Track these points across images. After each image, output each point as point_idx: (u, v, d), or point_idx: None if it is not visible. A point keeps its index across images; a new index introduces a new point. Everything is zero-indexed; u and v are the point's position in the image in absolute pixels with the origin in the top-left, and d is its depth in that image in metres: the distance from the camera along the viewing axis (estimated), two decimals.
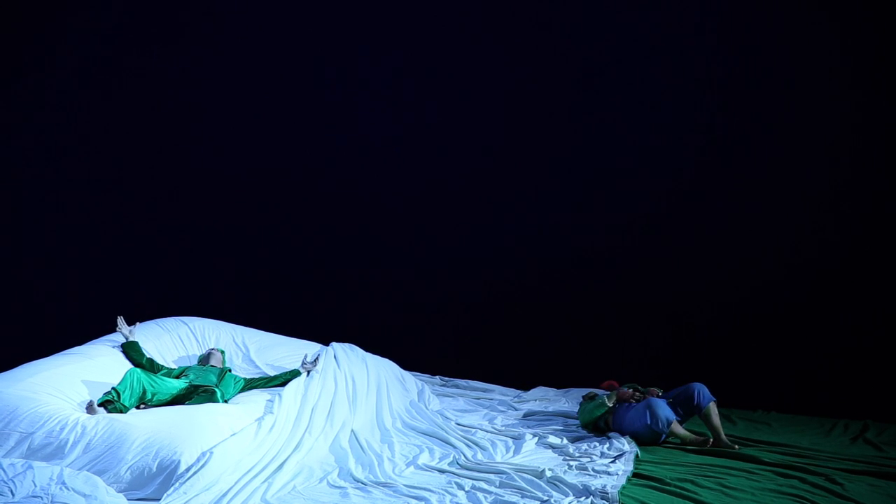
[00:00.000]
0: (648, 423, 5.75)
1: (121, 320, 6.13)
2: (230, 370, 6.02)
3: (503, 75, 7.81)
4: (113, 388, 5.24)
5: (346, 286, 8.17)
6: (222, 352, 6.30)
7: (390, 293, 8.08)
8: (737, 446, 5.69)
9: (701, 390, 5.90)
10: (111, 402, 5.17)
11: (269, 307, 8.06)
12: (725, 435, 5.79)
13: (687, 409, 5.93)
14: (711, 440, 5.74)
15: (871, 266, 7.02)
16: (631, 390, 6.05)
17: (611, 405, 5.97)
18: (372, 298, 8.12)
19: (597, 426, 6.04)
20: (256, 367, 6.45)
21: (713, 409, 5.83)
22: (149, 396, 5.35)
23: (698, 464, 5.34)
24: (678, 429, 5.79)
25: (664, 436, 5.79)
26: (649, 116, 7.47)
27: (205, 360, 6.13)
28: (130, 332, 6.12)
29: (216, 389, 5.60)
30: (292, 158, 8.21)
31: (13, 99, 8.28)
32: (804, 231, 7.17)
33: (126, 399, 5.20)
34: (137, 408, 5.32)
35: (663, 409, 5.78)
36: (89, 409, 5.09)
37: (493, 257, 7.89)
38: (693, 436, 5.78)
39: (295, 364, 6.37)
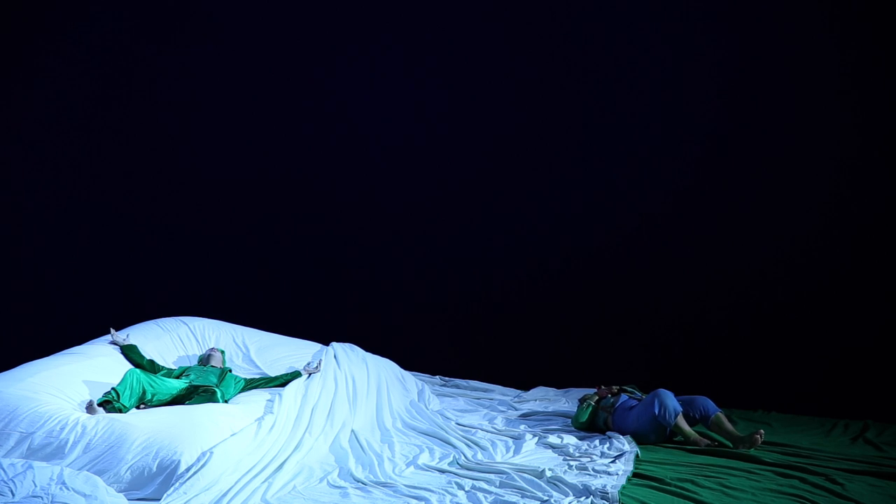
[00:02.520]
0: (656, 412, 5.74)
1: (112, 331, 6.15)
2: (230, 370, 6.01)
3: (504, 78, 7.79)
4: (113, 389, 5.23)
5: (347, 286, 8.16)
6: (222, 352, 6.29)
7: (390, 293, 8.08)
8: (762, 430, 5.68)
9: (706, 402, 5.87)
10: (111, 402, 5.17)
11: (269, 307, 8.06)
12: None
13: (691, 421, 5.87)
14: (716, 444, 5.72)
15: (871, 266, 7.02)
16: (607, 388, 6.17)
17: (594, 404, 6.04)
18: (372, 298, 8.11)
19: (596, 426, 6.05)
20: (257, 367, 6.44)
21: (722, 417, 5.81)
22: (149, 396, 5.35)
23: (698, 464, 5.33)
24: (683, 423, 5.75)
25: (669, 429, 5.78)
26: (652, 119, 7.46)
27: (205, 360, 6.12)
28: (125, 339, 6.12)
29: (216, 390, 5.59)
30: (292, 159, 8.21)
31: (12, 99, 8.28)
32: (804, 231, 7.16)
33: (126, 399, 5.20)
34: (137, 408, 5.32)
35: (672, 400, 5.77)
36: (89, 408, 5.08)
37: (494, 257, 7.89)
38: (697, 435, 5.75)
39: (295, 364, 6.37)
